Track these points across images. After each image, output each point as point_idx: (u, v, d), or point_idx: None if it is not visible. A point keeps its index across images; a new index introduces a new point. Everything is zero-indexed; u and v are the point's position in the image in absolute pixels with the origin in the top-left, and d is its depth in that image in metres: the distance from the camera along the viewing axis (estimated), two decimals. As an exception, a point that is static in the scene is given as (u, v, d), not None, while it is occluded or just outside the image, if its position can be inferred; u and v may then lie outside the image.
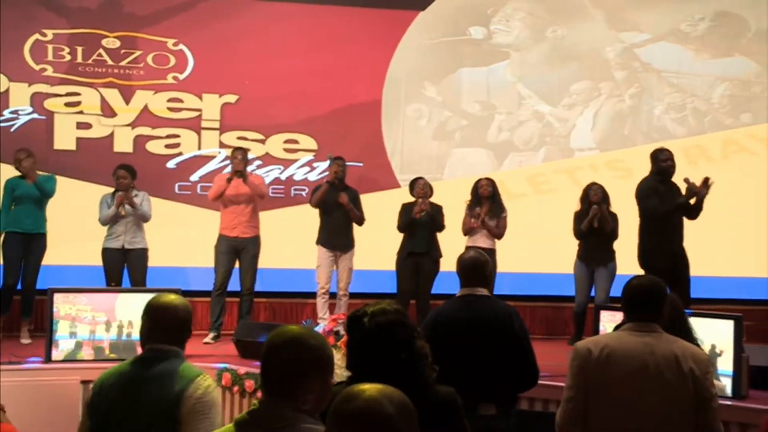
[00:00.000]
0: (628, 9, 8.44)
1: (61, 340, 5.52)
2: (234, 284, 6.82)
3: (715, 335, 4.66)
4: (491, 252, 6.69)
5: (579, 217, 6.80)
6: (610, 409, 2.88)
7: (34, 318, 6.59)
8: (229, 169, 6.87)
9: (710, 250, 8.06)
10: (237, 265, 6.80)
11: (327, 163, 7.22)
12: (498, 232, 6.86)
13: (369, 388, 1.59)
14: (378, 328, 2.44)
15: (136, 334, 5.59)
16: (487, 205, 6.86)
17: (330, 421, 1.58)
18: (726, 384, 4.63)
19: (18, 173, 6.52)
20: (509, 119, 8.26)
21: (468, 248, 6.35)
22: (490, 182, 6.99)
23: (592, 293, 6.81)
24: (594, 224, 6.64)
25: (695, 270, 8.05)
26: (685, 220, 6.28)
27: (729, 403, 4.50)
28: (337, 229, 6.89)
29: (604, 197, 6.78)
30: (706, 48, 8.42)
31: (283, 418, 1.91)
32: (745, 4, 8.43)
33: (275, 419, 1.92)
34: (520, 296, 7.41)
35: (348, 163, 7.14)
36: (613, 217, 6.76)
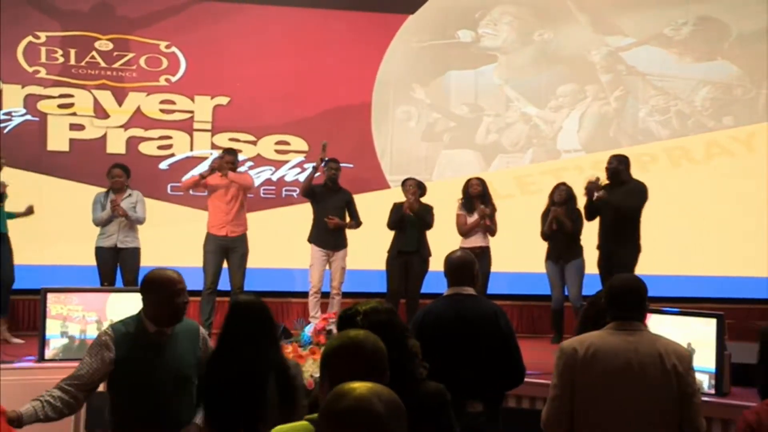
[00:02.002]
0: (612, 13, 8.56)
1: (52, 339, 5.57)
2: (224, 283, 6.88)
3: (697, 333, 4.75)
4: (486, 250, 6.80)
5: (543, 217, 6.90)
6: (595, 408, 2.93)
7: (9, 316, 6.61)
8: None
9: (692, 250, 8.23)
10: (226, 264, 6.85)
11: (320, 155, 7.04)
12: (493, 229, 6.96)
13: (359, 386, 1.60)
14: (370, 327, 2.47)
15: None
16: (477, 203, 6.93)
17: (321, 418, 1.60)
18: (704, 380, 4.73)
19: None
20: (497, 121, 8.37)
21: (461, 248, 6.43)
22: (480, 181, 7.05)
23: (566, 291, 6.92)
24: (553, 226, 6.74)
25: (679, 269, 8.22)
26: (642, 220, 6.46)
27: (711, 399, 4.59)
28: (330, 228, 6.95)
29: (569, 198, 6.83)
30: (689, 52, 8.55)
31: None
32: (726, 9, 8.56)
33: None
34: (506, 295, 7.50)
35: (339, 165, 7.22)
36: (577, 215, 6.79)
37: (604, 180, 6.51)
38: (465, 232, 6.92)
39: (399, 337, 2.55)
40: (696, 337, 4.68)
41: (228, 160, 6.80)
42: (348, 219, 7.04)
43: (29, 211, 6.48)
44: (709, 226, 8.20)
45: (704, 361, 4.67)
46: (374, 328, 2.45)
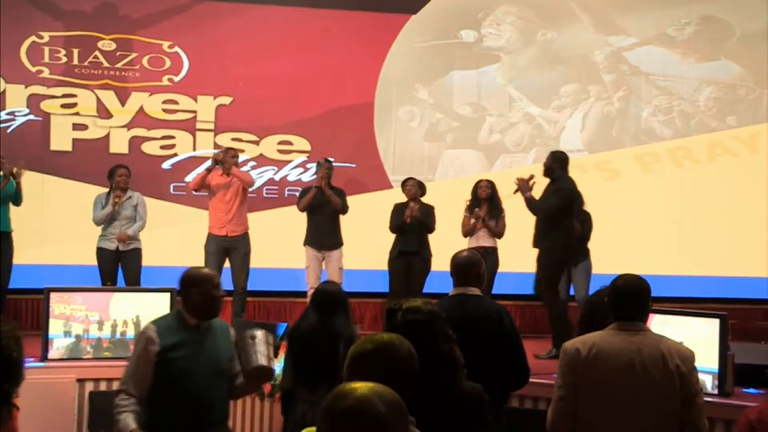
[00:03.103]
0: (615, 13, 8.56)
1: (55, 339, 5.58)
2: (226, 283, 6.86)
3: (700, 333, 4.74)
4: (493, 251, 6.79)
5: None
6: (599, 408, 2.92)
7: (12, 316, 6.63)
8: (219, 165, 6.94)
9: (695, 250, 8.22)
10: (227, 264, 6.83)
11: (316, 166, 7.23)
12: (498, 231, 6.92)
13: (361, 386, 1.59)
14: (404, 325, 2.50)
15: (130, 333, 5.66)
16: (485, 206, 6.93)
17: (322, 418, 1.58)
18: (707, 380, 4.73)
19: None
20: (500, 121, 8.37)
21: (470, 249, 6.43)
22: (490, 184, 7.03)
23: (571, 292, 6.89)
24: None
25: (682, 270, 8.21)
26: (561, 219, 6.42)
27: (714, 400, 4.59)
28: (324, 229, 6.94)
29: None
30: (692, 52, 8.54)
31: None
32: (729, 8, 8.55)
33: None
34: (509, 295, 7.49)
35: (340, 164, 7.23)
36: (586, 217, 6.72)
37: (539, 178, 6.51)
38: (464, 233, 6.94)
39: (430, 342, 2.51)
40: (699, 338, 4.66)
41: (233, 154, 6.81)
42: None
43: (14, 173, 6.32)
44: (712, 226, 8.19)
45: (707, 362, 4.66)
46: (406, 327, 2.47)
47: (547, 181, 6.49)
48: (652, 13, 8.53)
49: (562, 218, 6.33)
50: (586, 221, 6.74)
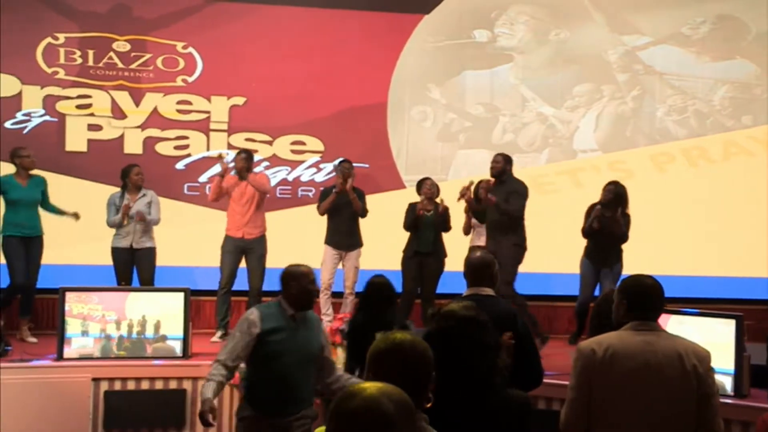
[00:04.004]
0: (629, 12, 8.52)
1: (73, 338, 5.63)
2: (242, 283, 6.90)
3: (716, 334, 4.72)
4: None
5: (588, 210, 6.73)
6: (613, 409, 2.91)
7: (31, 317, 6.70)
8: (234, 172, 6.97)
9: (710, 250, 8.18)
10: (243, 264, 6.87)
11: (335, 164, 7.30)
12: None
13: (370, 386, 1.60)
14: (437, 332, 2.55)
15: (145, 332, 5.71)
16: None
17: (330, 418, 1.59)
18: (726, 382, 4.70)
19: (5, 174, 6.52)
20: (513, 121, 8.35)
21: (473, 248, 6.43)
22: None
23: (596, 292, 6.84)
24: (594, 225, 6.58)
25: (696, 270, 8.16)
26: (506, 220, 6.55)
27: (730, 401, 4.57)
28: (344, 229, 6.99)
29: (616, 198, 6.59)
30: (707, 51, 8.49)
31: None
32: (745, 7, 8.49)
33: None
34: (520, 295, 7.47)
35: (354, 164, 7.24)
36: (626, 220, 6.61)
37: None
38: (464, 231, 6.98)
39: (464, 349, 2.51)
40: (715, 339, 4.64)
41: (242, 157, 6.83)
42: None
43: (75, 216, 6.63)
44: (727, 226, 8.14)
45: (723, 363, 4.63)
46: (441, 334, 2.56)
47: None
48: (666, 12, 8.49)
49: (520, 219, 6.53)
50: (626, 223, 6.64)
